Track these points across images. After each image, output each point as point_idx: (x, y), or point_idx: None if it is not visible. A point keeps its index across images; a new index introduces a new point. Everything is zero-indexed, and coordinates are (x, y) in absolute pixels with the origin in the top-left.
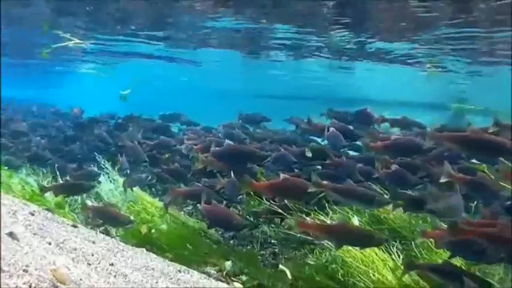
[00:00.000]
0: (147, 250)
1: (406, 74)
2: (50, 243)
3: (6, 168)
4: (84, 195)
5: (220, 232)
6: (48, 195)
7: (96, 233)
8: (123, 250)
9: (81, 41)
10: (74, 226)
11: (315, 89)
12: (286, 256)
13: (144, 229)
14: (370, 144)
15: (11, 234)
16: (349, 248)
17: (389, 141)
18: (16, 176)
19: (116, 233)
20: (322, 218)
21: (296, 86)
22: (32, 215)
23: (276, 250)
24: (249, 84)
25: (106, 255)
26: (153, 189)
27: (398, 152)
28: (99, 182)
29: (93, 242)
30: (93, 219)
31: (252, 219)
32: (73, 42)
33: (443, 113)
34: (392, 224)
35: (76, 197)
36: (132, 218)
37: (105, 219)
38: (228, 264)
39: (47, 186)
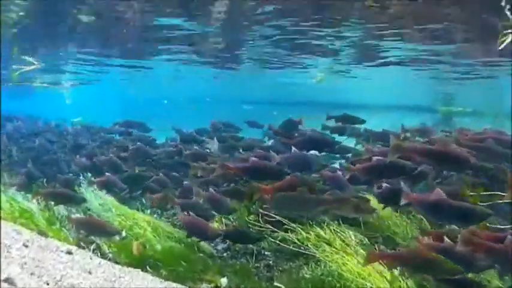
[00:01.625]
0: (141, 268)
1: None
2: (48, 283)
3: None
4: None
5: (212, 245)
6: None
7: (91, 258)
8: (120, 277)
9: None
10: (69, 253)
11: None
12: (280, 268)
13: (135, 250)
14: (350, 167)
15: (8, 280)
16: (345, 260)
17: (369, 163)
18: (4, 195)
19: (108, 249)
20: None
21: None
22: (26, 246)
23: (270, 262)
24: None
25: (104, 285)
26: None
27: (379, 174)
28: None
29: (90, 272)
30: (77, 230)
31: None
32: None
33: (432, 116)
34: (387, 231)
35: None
36: (119, 228)
37: (90, 230)
38: (224, 280)
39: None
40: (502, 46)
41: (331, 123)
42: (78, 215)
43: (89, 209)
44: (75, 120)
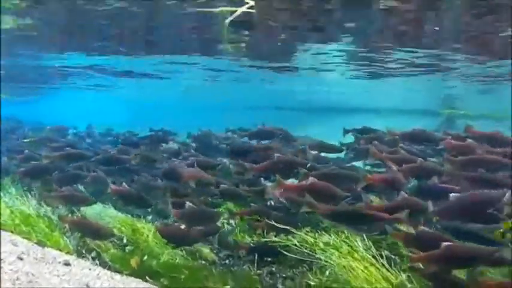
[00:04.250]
0: (141, 278)
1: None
2: None
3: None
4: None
5: (215, 251)
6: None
7: (90, 269)
8: None
9: None
10: (66, 264)
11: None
12: (284, 275)
13: (134, 263)
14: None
15: None
16: (352, 266)
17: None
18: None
19: (107, 258)
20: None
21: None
22: (21, 259)
23: (273, 269)
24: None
25: None
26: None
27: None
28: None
29: (87, 286)
30: (72, 232)
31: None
32: None
33: (436, 119)
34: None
35: None
36: (113, 231)
37: (85, 232)
38: None
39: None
40: None
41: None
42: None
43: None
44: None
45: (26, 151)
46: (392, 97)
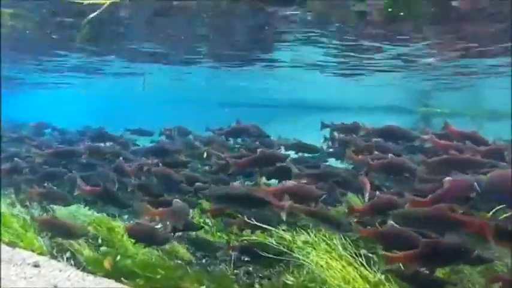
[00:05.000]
0: (116, 278)
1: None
2: None
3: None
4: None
5: (191, 251)
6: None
7: (61, 270)
8: None
9: None
10: (36, 266)
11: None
12: (260, 275)
13: (107, 263)
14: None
15: None
16: (329, 265)
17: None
18: None
19: (81, 258)
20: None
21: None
22: None
23: (250, 268)
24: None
25: None
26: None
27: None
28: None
29: (55, 287)
30: (41, 231)
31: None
32: None
33: (412, 117)
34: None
35: None
36: (86, 229)
37: (55, 231)
38: None
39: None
40: None
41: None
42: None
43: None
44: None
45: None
46: (367, 95)
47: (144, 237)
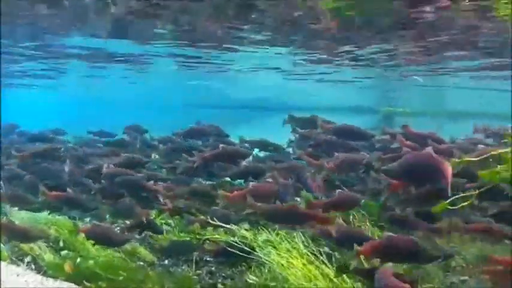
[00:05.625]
0: (79, 281)
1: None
2: None
3: None
4: None
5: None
6: None
7: (18, 275)
8: None
9: None
10: None
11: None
12: (223, 274)
13: (67, 267)
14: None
15: None
16: (290, 264)
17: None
18: None
19: (42, 263)
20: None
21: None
22: None
23: (213, 268)
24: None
25: None
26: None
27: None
28: None
29: None
30: None
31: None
32: None
33: (373, 116)
34: None
35: None
36: (46, 232)
37: (11, 235)
38: None
39: None
40: None
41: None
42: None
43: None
44: None
45: None
46: (329, 95)
47: (102, 238)
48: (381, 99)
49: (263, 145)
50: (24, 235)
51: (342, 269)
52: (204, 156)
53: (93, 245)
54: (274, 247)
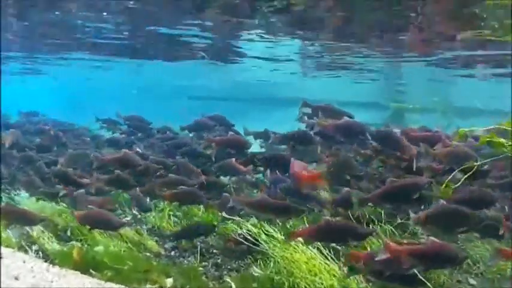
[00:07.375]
0: (85, 270)
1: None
2: None
3: None
4: None
5: (160, 243)
6: None
7: (24, 262)
8: (52, 281)
9: None
10: None
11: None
12: (229, 267)
13: (76, 255)
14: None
15: None
16: (295, 257)
17: None
18: None
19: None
20: None
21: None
22: None
23: (219, 261)
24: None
25: None
26: None
27: None
28: None
29: (16, 278)
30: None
31: None
32: None
33: (383, 112)
34: None
35: None
36: (44, 216)
37: (10, 218)
38: (169, 281)
39: None
40: None
41: None
42: None
43: None
44: None
45: None
46: (340, 90)
47: (97, 222)
48: (392, 95)
49: (267, 136)
50: (23, 218)
51: (353, 269)
52: (216, 140)
53: (89, 229)
54: (278, 242)
